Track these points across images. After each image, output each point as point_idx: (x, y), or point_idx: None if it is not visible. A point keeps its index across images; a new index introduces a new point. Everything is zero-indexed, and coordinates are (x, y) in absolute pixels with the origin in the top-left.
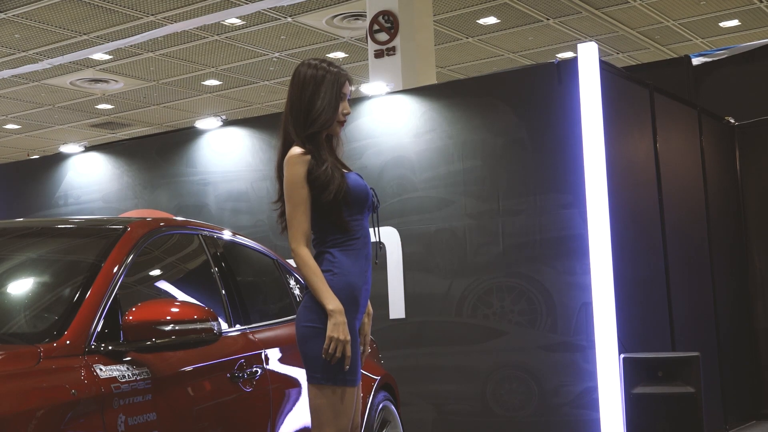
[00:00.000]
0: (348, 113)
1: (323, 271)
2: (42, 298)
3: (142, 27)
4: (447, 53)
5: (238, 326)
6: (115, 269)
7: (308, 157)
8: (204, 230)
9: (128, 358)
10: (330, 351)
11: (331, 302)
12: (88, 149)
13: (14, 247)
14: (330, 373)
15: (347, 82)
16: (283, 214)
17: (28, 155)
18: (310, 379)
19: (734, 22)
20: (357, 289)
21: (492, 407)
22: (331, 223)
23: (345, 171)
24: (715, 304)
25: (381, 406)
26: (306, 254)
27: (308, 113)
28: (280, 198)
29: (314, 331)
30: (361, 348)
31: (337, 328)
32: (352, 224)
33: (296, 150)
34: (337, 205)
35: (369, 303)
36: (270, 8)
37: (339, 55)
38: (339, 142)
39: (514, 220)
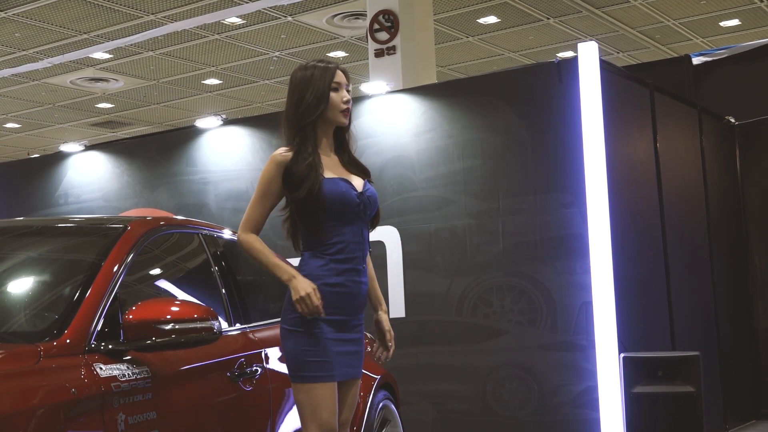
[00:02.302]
0: (347, 100)
1: None
2: (42, 297)
3: (142, 26)
4: (447, 52)
5: (238, 325)
6: (115, 268)
7: (289, 154)
8: (204, 229)
9: (128, 357)
10: (304, 312)
11: (284, 272)
12: (88, 148)
13: (14, 246)
14: (302, 371)
15: (338, 72)
16: (287, 220)
17: (29, 154)
18: (290, 378)
19: (734, 22)
20: (319, 291)
21: (492, 406)
22: (308, 225)
23: (343, 177)
24: (715, 303)
25: (381, 405)
26: (251, 237)
27: (297, 108)
28: (288, 205)
29: (287, 332)
30: (377, 349)
31: (296, 289)
32: (326, 230)
33: (280, 149)
34: (313, 207)
35: (381, 300)
36: (270, 7)
37: (339, 54)
38: (350, 137)
39: (514, 219)
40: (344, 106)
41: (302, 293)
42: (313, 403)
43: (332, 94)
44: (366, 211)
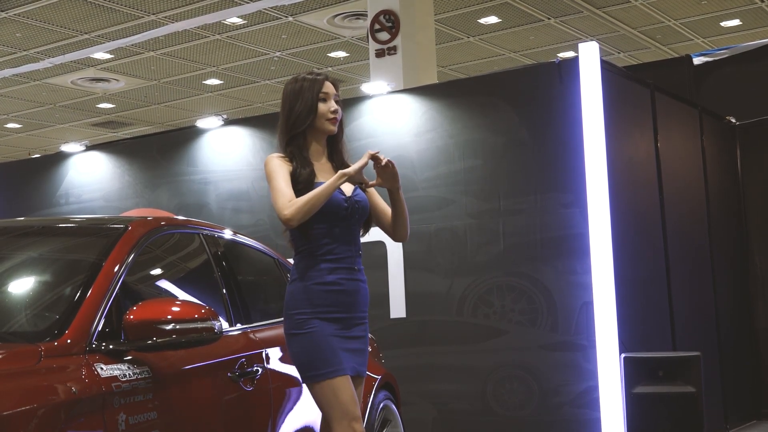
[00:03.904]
0: (335, 110)
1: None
2: (43, 297)
3: (143, 26)
4: (448, 52)
5: (238, 325)
6: (116, 268)
7: (286, 158)
8: (205, 229)
9: (129, 357)
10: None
11: (333, 181)
12: (89, 148)
13: (15, 246)
14: (312, 370)
15: (326, 82)
16: (286, 230)
17: (30, 154)
18: (303, 381)
19: (735, 22)
20: (312, 291)
21: (492, 406)
22: (299, 228)
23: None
24: (716, 303)
25: (382, 405)
26: (295, 204)
27: (288, 119)
28: None
29: (291, 336)
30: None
31: (345, 174)
32: (315, 233)
33: (275, 154)
34: None
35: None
36: (271, 7)
37: (340, 54)
38: (342, 145)
39: (514, 219)
40: (332, 116)
41: (357, 167)
42: (331, 396)
43: (320, 105)
44: (354, 215)
